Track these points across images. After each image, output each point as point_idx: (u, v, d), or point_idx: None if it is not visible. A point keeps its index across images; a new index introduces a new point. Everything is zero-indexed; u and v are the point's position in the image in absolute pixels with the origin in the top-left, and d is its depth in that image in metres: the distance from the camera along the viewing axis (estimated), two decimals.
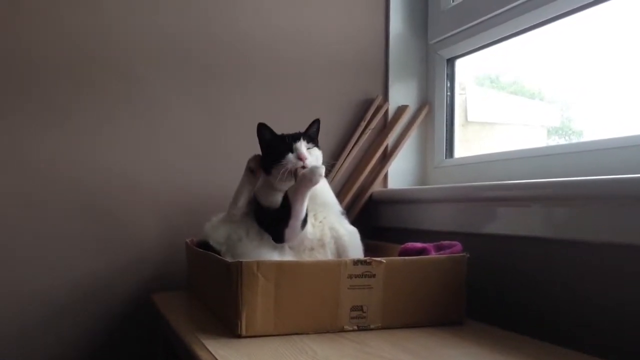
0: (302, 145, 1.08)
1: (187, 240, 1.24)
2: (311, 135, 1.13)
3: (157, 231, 1.36)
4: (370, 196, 1.52)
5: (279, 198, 1.06)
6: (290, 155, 1.06)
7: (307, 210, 1.05)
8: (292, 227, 1.03)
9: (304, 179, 1.01)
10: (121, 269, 1.34)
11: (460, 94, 1.57)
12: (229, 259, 0.98)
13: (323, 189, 1.13)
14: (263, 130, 1.11)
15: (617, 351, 0.89)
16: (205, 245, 1.12)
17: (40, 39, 1.30)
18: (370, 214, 1.53)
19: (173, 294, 1.29)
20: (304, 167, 1.05)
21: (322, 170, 1.01)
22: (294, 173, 1.05)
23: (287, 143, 1.08)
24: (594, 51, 1.22)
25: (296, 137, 1.09)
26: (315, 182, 1.01)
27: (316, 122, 1.14)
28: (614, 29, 1.16)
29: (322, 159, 1.13)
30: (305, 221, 1.04)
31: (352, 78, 1.54)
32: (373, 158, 1.52)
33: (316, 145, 1.12)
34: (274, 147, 1.08)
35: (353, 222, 1.17)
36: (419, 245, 1.07)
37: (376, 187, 1.53)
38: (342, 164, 1.50)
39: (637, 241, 0.86)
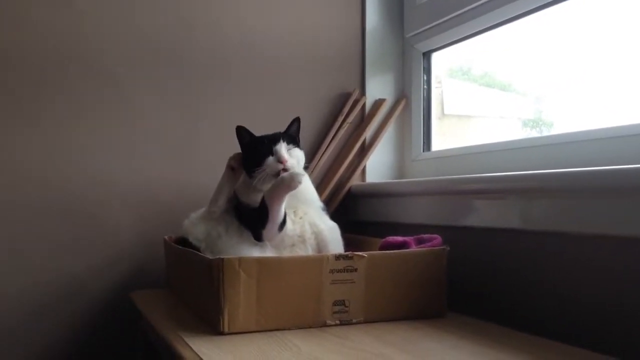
0: (282, 148, 1.06)
1: (166, 237, 1.23)
2: (291, 135, 1.11)
3: (135, 229, 1.35)
4: (349, 190, 1.53)
5: (259, 196, 1.05)
6: (271, 159, 1.05)
7: (286, 208, 1.05)
8: (269, 230, 1.03)
9: (282, 184, 1.01)
10: (99, 268, 1.33)
11: (437, 87, 1.58)
12: (208, 256, 0.97)
13: (305, 186, 1.13)
14: (242, 133, 1.09)
15: (596, 341, 0.91)
16: (184, 242, 1.11)
17: (11, 38, 1.26)
18: (349, 208, 1.54)
19: (152, 292, 1.28)
20: (285, 169, 1.04)
21: (302, 177, 1.01)
22: (275, 175, 1.05)
23: (266, 145, 1.06)
24: (563, 44, 1.24)
25: (276, 139, 1.07)
26: (293, 188, 1.01)
27: (296, 121, 1.13)
28: (582, 23, 1.18)
29: (304, 158, 1.12)
30: (284, 222, 1.04)
31: (328, 73, 1.54)
32: (351, 152, 1.52)
33: (297, 145, 1.11)
34: (254, 150, 1.07)
35: (332, 217, 1.17)
36: (399, 239, 1.08)
37: (354, 181, 1.53)
38: (320, 159, 1.50)
39: (613, 232, 0.88)
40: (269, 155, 1.05)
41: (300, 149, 1.11)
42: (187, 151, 1.40)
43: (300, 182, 1.00)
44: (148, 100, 1.37)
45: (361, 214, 1.53)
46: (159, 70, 1.38)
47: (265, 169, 1.05)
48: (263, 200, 1.03)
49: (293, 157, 1.07)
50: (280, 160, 1.04)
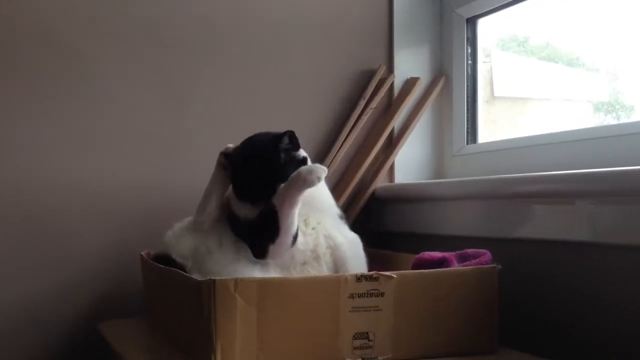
0: None
1: (143, 253, 1.24)
2: (286, 155, 1.09)
3: (105, 243, 1.36)
4: (373, 193, 1.53)
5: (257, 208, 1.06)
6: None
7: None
8: (280, 244, 1.04)
9: (298, 180, 1.01)
10: (59, 293, 1.33)
11: (484, 62, 1.58)
12: (197, 277, 0.98)
13: (318, 188, 1.13)
14: (227, 157, 1.10)
15: None
16: (166, 259, 1.12)
17: None
18: (374, 215, 1.54)
19: (126, 322, 1.28)
20: None
21: (323, 171, 1.01)
22: None
23: (263, 194, 1.05)
24: None
25: (261, 197, 1.05)
26: (310, 185, 1.01)
27: (285, 135, 1.08)
28: None
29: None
30: (296, 234, 1.05)
31: (347, 45, 1.54)
32: (376, 145, 1.52)
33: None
34: (246, 188, 1.07)
35: (352, 226, 1.18)
36: (437, 255, 1.07)
37: (380, 182, 1.53)
38: (336, 154, 1.50)
39: None
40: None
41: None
42: (169, 145, 1.41)
43: (320, 178, 1.01)
44: (120, 82, 1.38)
45: (389, 223, 1.53)
46: (132, 43, 1.39)
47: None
48: (269, 207, 1.03)
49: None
50: None
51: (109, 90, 1.38)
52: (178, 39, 1.42)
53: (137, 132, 1.39)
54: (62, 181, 1.34)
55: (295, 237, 1.05)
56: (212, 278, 0.89)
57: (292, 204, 1.02)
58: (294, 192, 1.02)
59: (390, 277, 0.96)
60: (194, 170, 1.33)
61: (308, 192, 1.07)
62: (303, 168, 1.03)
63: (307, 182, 1.01)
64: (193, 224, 1.14)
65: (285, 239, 1.03)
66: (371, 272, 0.96)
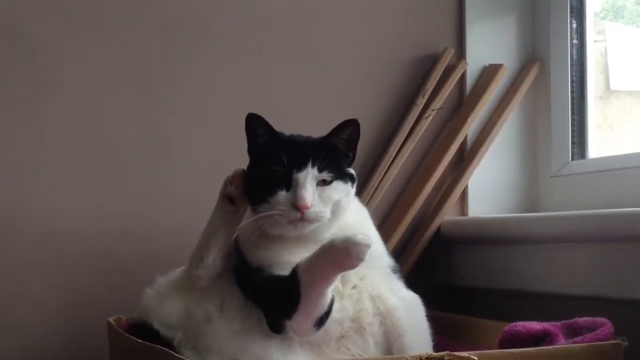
0: (307, 180, 1.06)
1: (111, 319, 1.24)
2: (333, 154, 1.11)
3: (57, 304, 1.36)
4: (438, 232, 1.53)
5: (279, 252, 1.07)
6: (282, 195, 1.06)
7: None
8: (299, 322, 1.03)
9: (333, 257, 0.99)
10: None
11: (597, 41, 1.57)
12: (190, 356, 0.98)
13: (358, 225, 1.14)
14: (254, 127, 1.10)
15: None
16: (144, 329, 1.12)
17: None
18: (439, 263, 1.54)
19: None
20: (303, 219, 1.05)
21: (368, 248, 0.97)
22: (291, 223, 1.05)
23: (283, 167, 1.07)
24: None
25: (301, 158, 1.07)
26: (350, 267, 0.99)
27: (349, 127, 1.11)
28: None
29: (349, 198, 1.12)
30: (329, 312, 1.03)
31: (398, 19, 1.55)
32: (441, 162, 1.52)
33: (339, 174, 1.10)
34: (265, 167, 1.08)
35: (408, 279, 1.18)
36: (535, 326, 1.06)
37: (447, 215, 1.54)
38: (384, 174, 1.51)
39: None
40: (281, 187, 1.06)
41: (345, 179, 1.11)
42: (149, 165, 1.42)
43: (360, 260, 0.98)
44: (66, 70, 1.39)
45: (460, 274, 1.53)
46: (85, 19, 1.40)
47: (272, 209, 1.06)
48: (294, 276, 1.02)
49: (325, 200, 1.08)
50: (296, 204, 1.05)
51: (55, 87, 1.39)
52: (153, 20, 1.44)
53: (102, 146, 1.41)
54: None
55: (325, 316, 1.04)
56: None
57: (327, 283, 1.01)
58: (328, 271, 1.00)
59: None
60: (184, 201, 1.35)
61: (344, 229, 1.08)
62: (340, 242, 0.98)
63: (344, 263, 0.99)
64: (185, 278, 1.14)
65: (304, 319, 1.03)
66: (441, 353, 0.95)
